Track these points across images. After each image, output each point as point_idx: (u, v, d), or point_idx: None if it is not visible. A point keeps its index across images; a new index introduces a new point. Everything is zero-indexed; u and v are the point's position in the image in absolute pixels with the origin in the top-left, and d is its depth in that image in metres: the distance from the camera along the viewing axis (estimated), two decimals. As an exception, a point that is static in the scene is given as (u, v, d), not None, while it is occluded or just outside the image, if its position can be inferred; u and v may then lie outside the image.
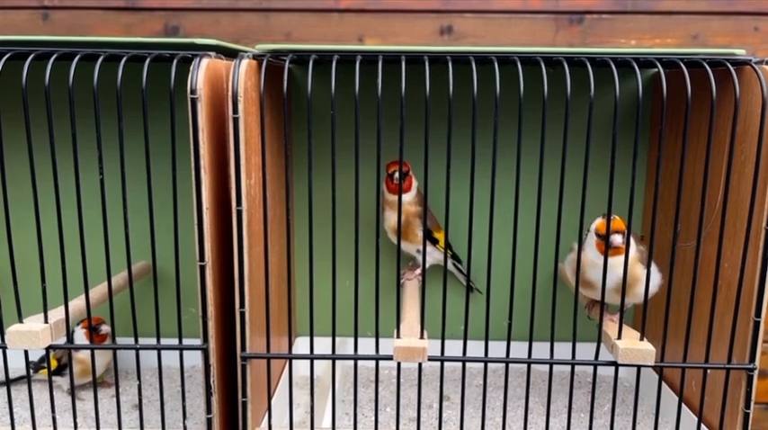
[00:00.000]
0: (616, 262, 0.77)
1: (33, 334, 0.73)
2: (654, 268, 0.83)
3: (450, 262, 1.05)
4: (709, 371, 0.79)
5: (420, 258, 0.94)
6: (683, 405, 0.81)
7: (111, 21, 1.10)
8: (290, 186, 0.75)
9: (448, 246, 1.03)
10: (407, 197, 0.99)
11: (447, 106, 0.71)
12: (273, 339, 0.80)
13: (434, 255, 1.03)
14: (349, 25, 1.10)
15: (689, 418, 0.84)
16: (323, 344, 0.81)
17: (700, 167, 0.77)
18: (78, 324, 0.98)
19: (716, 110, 0.71)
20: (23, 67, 0.69)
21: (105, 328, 0.96)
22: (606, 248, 0.77)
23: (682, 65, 0.72)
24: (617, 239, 0.79)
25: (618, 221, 0.80)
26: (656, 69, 0.74)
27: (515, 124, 0.71)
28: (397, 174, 0.92)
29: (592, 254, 0.83)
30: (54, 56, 0.71)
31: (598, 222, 0.82)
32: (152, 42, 0.75)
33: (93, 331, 0.92)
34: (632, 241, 0.80)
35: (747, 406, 0.78)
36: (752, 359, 0.77)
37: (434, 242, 1.02)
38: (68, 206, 0.74)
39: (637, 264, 0.81)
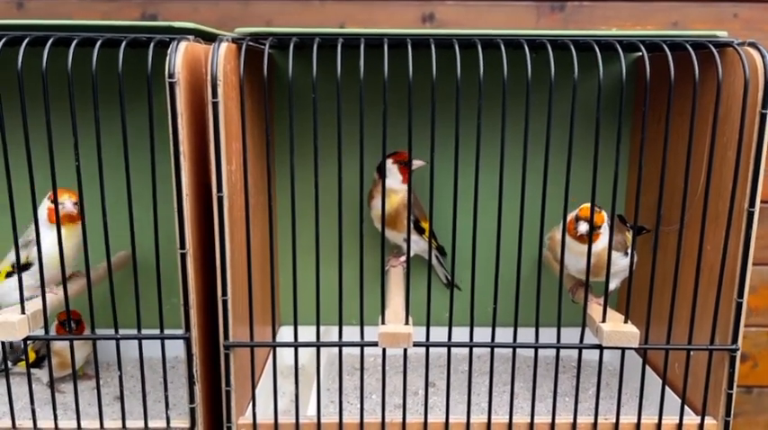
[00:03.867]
0: (584, 248, 0.79)
1: (10, 325, 0.72)
2: (620, 254, 0.85)
3: (433, 252, 1.04)
4: (692, 352, 0.80)
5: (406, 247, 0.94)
6: (667, 387, 0.82)
7: (87, 9, 1.08)
8: (272, 172, 0.74)
9: (433, 236, 1.03)
10: (406, 186, 0.98)
11: (431, 91, 0.70)
12: (257, 328, 0.79)
13: (420, 245, 1.02)
14: (330, 13, 1.09)
15: (672, 400, 0.85)
16: (307, 333, 0.81)
17: (683, 150, 0.77)
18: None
19: (698, 92, 0.71)
20: (-5, 51, 0.68)
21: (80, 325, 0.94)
22: (574, 230, 0.80)
23: (665, 47, 0.72)
24: (581, 227, 0.80)
25: (594, 212, 0.80)
26: (638, 53, 0.74)
27: (500, 109, 0.71)
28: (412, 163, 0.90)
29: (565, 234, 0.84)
30: (26, 40, 0.69)
31: (582, 206, 0.82)
32: (128, 26, 0.74)
33: (64, 325, 0.90)
34: (606, 231, 0.82)
35: (730, 387, 0.79)
36: (734, 340, 0.78)
37: (421, 232, 1.02)
38: (45, 194, 0.72)
39: (605, 253, 0.80)
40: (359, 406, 0.81)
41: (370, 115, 0.71)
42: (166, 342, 0.77)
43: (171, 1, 1.08)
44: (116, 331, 0.76)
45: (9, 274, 0.89)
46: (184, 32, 0.74)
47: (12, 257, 0.88)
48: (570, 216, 0.83)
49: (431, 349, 0.79)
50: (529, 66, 0.70)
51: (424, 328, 0.78)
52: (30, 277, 0.81)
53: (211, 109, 0.71)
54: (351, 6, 1.09)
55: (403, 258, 1.01)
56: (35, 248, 0.74)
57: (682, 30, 1.09)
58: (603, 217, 0.81)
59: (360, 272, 0.76)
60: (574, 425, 0.81)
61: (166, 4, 1.08)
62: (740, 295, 0.76)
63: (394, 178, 0.98)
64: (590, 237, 0.77)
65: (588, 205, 0.81)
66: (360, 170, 0.74)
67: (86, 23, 0.73)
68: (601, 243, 0.81)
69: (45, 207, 0.83)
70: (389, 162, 0.97)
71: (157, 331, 0.77)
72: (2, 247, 0.91)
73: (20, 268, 0.75)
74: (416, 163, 0.92)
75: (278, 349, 0.88)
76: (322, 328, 0.79)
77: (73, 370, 0.80)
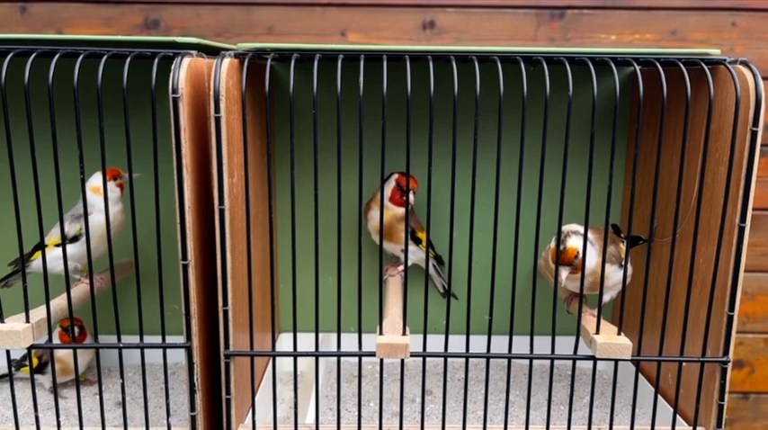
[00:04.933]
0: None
1: (15, 333, 0.73)
2: (615, 267, 0.85)
3: (431, 262, 1.05)
4: (684, 363, 0.81)
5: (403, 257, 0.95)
6: (660, 397, 0.83)
7: (90, 14, 1.09)
8: (273, 184, 0.75)
9: (430, 246, 1.04)
10: (402, 209, 0.98)
11: (428, 103, 0.71)
12: (257, 336, 0.80)
13: (418, 255, 1.03)
14: (331, 19, 1.10)
15: (665, 410, 0.86)
16: (307, 340, 0.82)
17: (676, 165, 0.79)
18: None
19: (691, 108, 0.73)
20: (2, 65, 0.69)
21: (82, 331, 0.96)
22: (557, 267, 0.80)
23: (658, 65, 0.73)
24: (562, 274, 0.80)
25: (568, 248, 0.80)
26: (632, 68, 0.75)
27: (497, 122, 0.72)
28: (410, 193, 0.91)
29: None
30: (33, 54, 0.70)
31: (550, 247, 0.82)
32: (133, 41, 0.75)
33: (67, 331, 0.92)
34: (594, 249, 0.82)
35: (722, 398, 0.80)
36: (725, 352, 0.79)
37: (417, 242, 1.03)
38: (49, 206, 0.73)
39: (599, 268, 0.80)
40: (357, 413, 0.82)
41: (370, 129, 0.72)
42: (168, 349, 0.78)
43: (173, 7, 1.09)
44: (119, 339, 0.78)
45: (57, 245, 0.91)
46: (187, 47, 0.75)
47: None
48: (552, 244, 0.84)
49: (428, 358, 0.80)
50: (525, 82, 0.71)
51: (421, 336, 0.79)
52: (76, 248, 0.90)
53: (214, 123, 0.72)
54: (352, 13, 1.10)
55: (401, 267, 1.03)
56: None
57: (680, 38, 1.10)
58: (576, 250, 0.79)
59: (358, 281, 0.77)
60: (567, 433, 0.82)
61: (169, 10, 1.09)
62: (731, 308, 0.77)
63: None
64: (583, 263, 0.77)
65: (562, 239, 0.81)
66: (359, 182, 0.75)
67: (92, 38, 0.75)
68: (590, 263, 0.80)
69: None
70: (393, 179, 0.98)
71: (158, 336, 0.78)
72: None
73: (23, 271, 0.76)
74: (411, 198, 0.93)
75: (277, 357, 0.89)
76: (321, 335, 0.80)
77: (76, 376, 0.81)
